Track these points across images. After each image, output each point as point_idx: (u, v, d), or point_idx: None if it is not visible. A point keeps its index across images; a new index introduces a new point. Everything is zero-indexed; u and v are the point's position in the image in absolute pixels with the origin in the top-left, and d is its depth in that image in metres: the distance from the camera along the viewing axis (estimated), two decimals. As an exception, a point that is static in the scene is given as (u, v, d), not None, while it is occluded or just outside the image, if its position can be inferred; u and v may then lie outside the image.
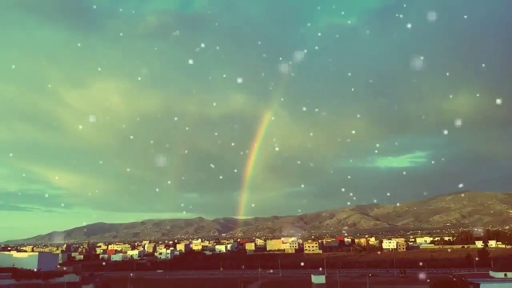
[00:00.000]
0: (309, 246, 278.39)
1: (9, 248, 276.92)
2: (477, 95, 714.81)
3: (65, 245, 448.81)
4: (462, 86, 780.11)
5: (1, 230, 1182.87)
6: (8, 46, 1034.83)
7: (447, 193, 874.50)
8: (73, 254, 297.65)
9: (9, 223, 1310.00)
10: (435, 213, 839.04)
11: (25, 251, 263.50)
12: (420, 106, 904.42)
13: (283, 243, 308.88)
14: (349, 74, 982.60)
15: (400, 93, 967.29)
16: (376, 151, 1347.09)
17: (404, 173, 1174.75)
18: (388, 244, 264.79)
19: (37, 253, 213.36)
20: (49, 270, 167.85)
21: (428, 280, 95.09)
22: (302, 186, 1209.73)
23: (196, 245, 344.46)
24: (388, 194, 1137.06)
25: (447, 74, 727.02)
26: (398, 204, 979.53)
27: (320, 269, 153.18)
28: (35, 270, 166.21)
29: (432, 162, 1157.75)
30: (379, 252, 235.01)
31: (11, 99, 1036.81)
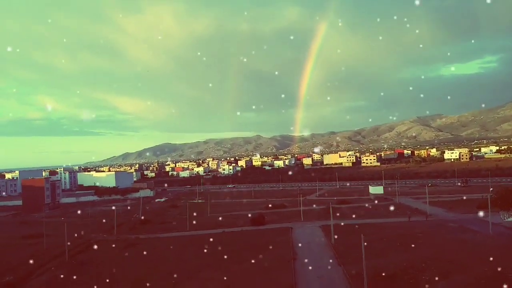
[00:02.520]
0: (366, 159, 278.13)
1: (88, 169, 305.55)
2: None
3: (137, 165, 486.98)
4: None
5: (79, 153, 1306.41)
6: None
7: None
8: (145, 172, 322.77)
9: (86, 147, 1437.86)
10: (503, 121, 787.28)
11: (103, 171, 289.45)
12: (491, 5, 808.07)
13: (340, 157, 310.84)
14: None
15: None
16: (441, 58, 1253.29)
17: (471, 80, 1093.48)
18: (451, 155, 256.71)
19: (114, 173, 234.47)
20: (126, 187, 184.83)
21: (492, 189, 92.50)
22: (360, 99, 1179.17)
23: (256, 161, 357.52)
24: (452, 103, 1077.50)
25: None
26: (463, 114, 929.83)
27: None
28: (113, 187, 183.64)
29: (503, 66, 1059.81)
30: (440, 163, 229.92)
31: (75, 30, 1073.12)
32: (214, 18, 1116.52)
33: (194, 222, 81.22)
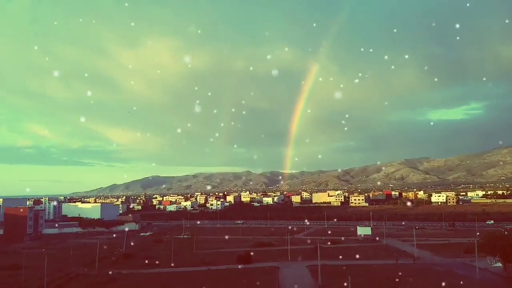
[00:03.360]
0: (355, 199, 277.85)
1: (74, 200, 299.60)
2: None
3: (124, 197, 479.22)
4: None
5: (66, 183, 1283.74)
6: (63, 7, 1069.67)
7: (504, 146, 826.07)
8: (131, 205, 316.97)
9: (74, 177, 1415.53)
10: (489, 167, 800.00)
11: (89, 202, 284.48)
12: (477, 54, 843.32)
13: (328, 196, 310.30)
14: (400, 20, 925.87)
15: (456, 40, 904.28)
16: (428, 103, 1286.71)
17: (457, 125, 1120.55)
18: (438, 198, 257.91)
19: (99, 204, 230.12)
20: (111, 219, 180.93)
21: (478, 233, 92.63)
22: (349, 140, 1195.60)
23: (245, 197, 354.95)
24: (439, 147, 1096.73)
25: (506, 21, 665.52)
26: (449, 158, 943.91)
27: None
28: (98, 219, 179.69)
29: (488, 113, 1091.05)
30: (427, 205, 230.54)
31: (71, 59, 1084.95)
32: (210, 55, 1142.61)
33: (181, 258, 79.30)
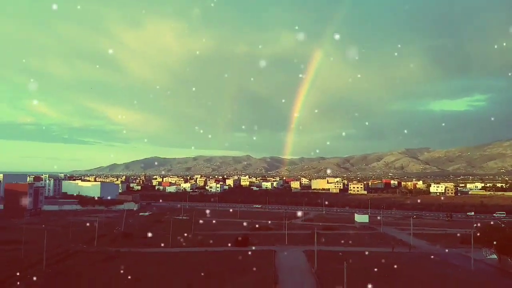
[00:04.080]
0: (353, 187, 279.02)
1: (74, 178, 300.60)
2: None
3: (124, 177, 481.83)
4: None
5: (66, 161, 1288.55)
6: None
7: (505, 139, 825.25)
8: (131, 185, 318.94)
9: (74, 155, 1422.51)
10: (489, 159, 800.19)
11: (89, 180, 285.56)
12: (482, 47, 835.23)
13: (328, 182, 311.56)
14: (408, 10, 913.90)
15: (461, 32, 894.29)
16: (431, 94, 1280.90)
17: (460, 117, 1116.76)
18: (436, 188, 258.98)
19: (99, 183, 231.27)
20: (111, 198, 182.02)
21: (475, 225, 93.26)
22: (350, 128, 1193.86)
23: (244, 180, 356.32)
24: (440, 138, 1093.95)
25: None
26: (450, 149, 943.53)
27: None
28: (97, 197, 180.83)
29: (492, 106, 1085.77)
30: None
31: (73, 38, 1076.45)
32: (213, 39, 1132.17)
33: (179, 238, 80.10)
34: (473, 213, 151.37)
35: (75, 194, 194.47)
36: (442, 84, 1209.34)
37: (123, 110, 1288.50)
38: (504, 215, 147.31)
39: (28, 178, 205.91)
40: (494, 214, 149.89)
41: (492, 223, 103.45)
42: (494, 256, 64.98)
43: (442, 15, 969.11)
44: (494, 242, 60.92)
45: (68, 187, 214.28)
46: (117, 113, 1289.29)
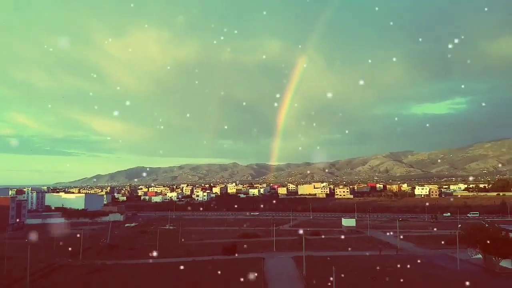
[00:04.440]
0: (340, 191, 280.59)
1: (57, 190, 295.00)
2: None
3: (109, 188, 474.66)
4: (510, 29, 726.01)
5: (50, 173, 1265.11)
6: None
7: (486, 141, 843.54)
8: (116, 196, 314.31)
9: (57, 167, 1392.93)
10: (471, 161, 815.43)
11: (73, 192, 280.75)
12: (463, 50, 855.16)
13: (314, 188, 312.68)
14: (387, 14, 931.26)
15: (442, 36, 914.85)
16: (413, 97, 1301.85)
17: (442, 119, 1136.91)
18: (421, 191, 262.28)
19: (83, 195, 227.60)
20: (95, 210, 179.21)
21: (460, 225, 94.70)
22: (335, 133, 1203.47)
23: (231, 188, 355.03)
24: (423, 141, 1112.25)
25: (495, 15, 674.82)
26: (433, 151, 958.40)
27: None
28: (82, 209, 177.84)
29: (472, 108, 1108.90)
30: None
31: (56, 48, 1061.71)
32: (198, 46, 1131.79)
33: (166, 249, 79.18)
34: (449, 214, 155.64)
35: (59, 207, 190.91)
36: (424, 88, 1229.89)
37: (107, 120, 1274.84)
38: (478, 214, 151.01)
39: (10, 191, 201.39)
40: (468, 215, 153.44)
41: (476, 223, 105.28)
42: (480, 255, 66.00)
43: (423, 19, 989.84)
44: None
45: (52, 199, 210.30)
46: (100, 123, 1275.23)
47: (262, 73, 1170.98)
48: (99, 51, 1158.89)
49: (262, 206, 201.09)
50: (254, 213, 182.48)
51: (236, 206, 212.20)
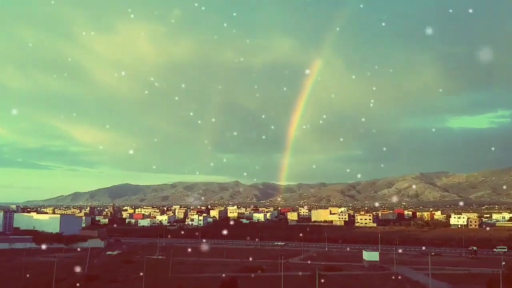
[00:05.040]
0: (361, 219, 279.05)
1: (28, 210, 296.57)
2: None
3: (88, 208, 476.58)
4: None
5: (20, 190, 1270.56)
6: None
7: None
8: (97, 218, 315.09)
9: (29, 182, 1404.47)
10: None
11: (46, 213, 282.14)
12: (508, 55, 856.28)
13: (330, 213, 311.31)
14: (417, 11, 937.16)
15: (483, 38, 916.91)
16: (448, 109, 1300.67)
17: (482, 135, 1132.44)
18: (457, 220, 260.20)
19: (59, 216, 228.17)
20: (72, 234, 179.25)
21: (504, 263, 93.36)
22: (356, 149, 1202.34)
23: (232, 212, 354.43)
24: (460, 160, 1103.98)
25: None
26: (472, 173, 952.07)
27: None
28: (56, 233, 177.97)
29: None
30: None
31: (31, 45, 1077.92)
32: (196, 45, 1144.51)
33: (154, 282, 78.82)
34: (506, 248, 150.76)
35: (29, 229, 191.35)
36: (461, 98, 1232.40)
37: (89, 128, 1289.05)
38: (506, 250, 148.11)
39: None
40: (494, 250, 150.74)
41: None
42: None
43: (457, 18, 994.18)
44: None
45: (21, 220, 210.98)
46: (81, 131, 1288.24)
47: (270, 77, 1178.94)
48: (82, 48, 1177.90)
49: (267, 234, 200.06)
50: (280, 243, 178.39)
51: (237, 233, 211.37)
